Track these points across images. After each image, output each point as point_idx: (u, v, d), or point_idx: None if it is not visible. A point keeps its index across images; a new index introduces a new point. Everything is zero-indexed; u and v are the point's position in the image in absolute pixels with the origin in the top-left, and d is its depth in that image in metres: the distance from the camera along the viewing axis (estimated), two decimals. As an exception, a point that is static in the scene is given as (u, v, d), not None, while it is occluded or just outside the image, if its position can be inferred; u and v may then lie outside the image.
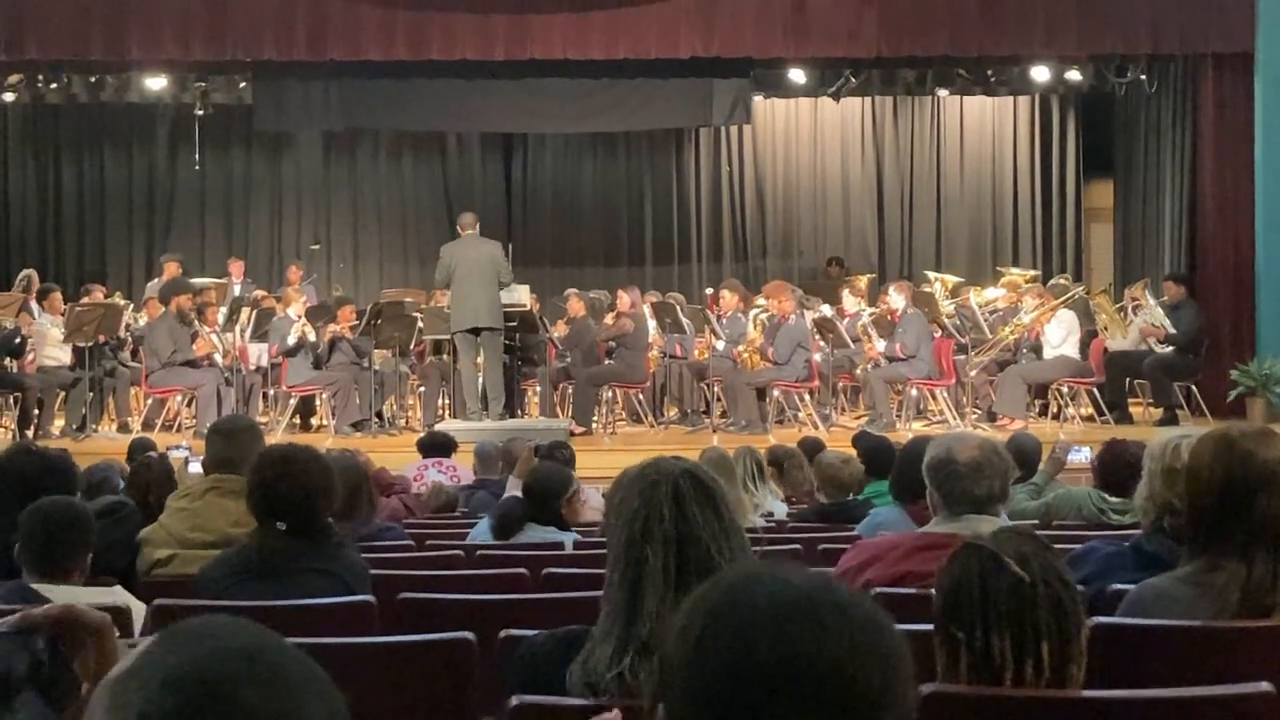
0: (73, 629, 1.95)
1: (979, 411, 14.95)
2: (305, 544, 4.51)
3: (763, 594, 1.45)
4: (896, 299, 14.93)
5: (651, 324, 15.61)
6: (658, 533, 2.73)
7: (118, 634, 1.99)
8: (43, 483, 4.88)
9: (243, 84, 17.21)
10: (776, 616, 1.43)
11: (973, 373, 14.79)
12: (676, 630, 1.48)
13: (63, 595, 4.18)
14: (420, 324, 15.03)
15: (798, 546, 5.94)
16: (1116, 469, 6.39)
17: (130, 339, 15.35)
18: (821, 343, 14.71)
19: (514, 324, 14.55)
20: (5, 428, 14.41)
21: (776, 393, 14.61)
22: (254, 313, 15.41)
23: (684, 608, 1.51)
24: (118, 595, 4.38)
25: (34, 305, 15.51)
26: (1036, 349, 14.63)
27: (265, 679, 1.33)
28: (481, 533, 6.58)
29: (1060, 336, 14.39)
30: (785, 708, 1.39)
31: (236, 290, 17.25)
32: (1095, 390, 14.73)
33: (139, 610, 4.32)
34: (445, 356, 15.15)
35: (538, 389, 15.36)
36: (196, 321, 14.65)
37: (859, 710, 1.41)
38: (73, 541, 4.31)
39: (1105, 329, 15.38)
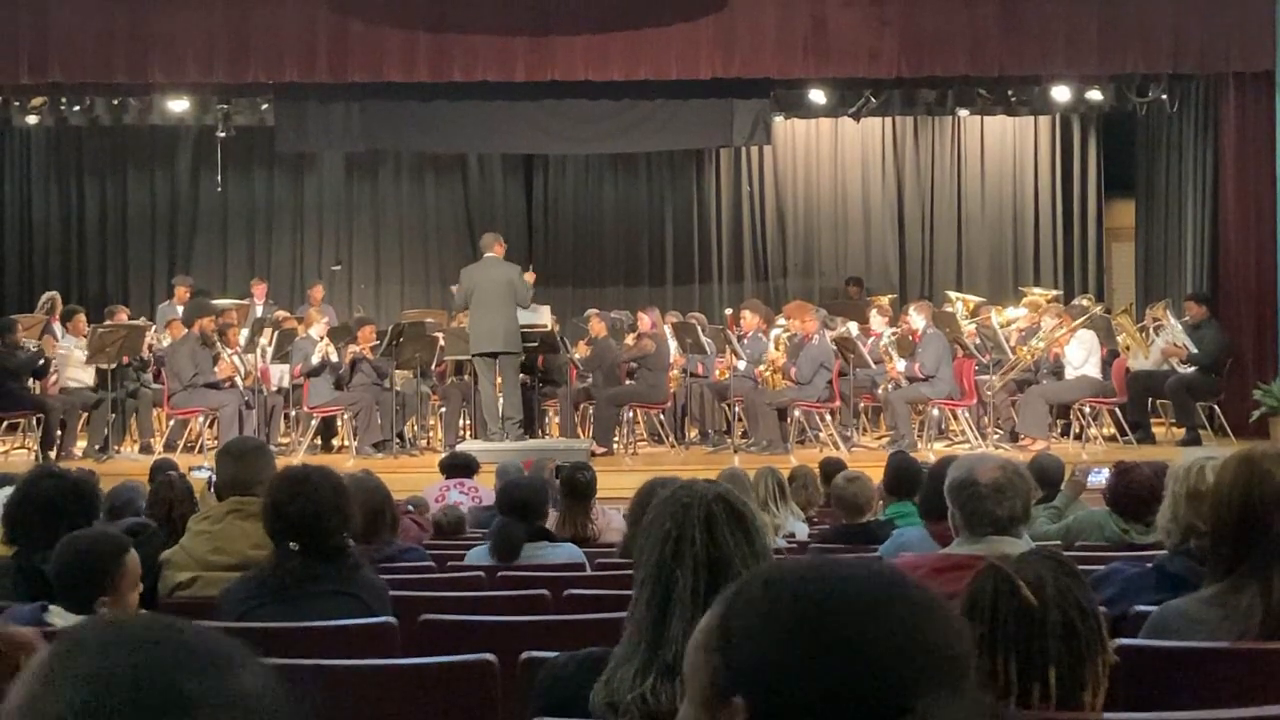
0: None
1: (1001, 432, 14.91)
2: (323, 565, 4.52)
3: (844, 581, 1.46)
4: (916, 319, 14.93)
5: (672, 344, 15.61)
6: (688, 556, 2.73)
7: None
8: (66, 505, 4.90)
9: (264, 106, 17.27)
10: (872, 601, 1.44)
11: (993, 392, 14.75)
12: (756, 627, 1.46)
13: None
14: (441, 344, 15.05)
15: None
16: (1128, 498, 6.35)
17: (153, 360, 15.39)
18: (842, 363, 14.69)
19: (535, 344, 14.56)
20: (28, 449, 14.46)
21: (798, 413, 14.60)
22: (275, 334, 15.46)
23: (745, 604, 1.49)
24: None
25: (57, 327, 15.59)
26: (1058, 370, 14.59)
27: (198, 666, 1.28)
28: (480, 557, 6.55)
29: (1081, 357, 14.36)
30: (907, 686, 1.40)
31: (259, 311, 17.29)
32: (1118, 410, 14.67)
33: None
34: (466, 377, 15.16)
35: (559, 409, 15.36)
36: (218, 343, 14.68)
37: (961, 677, 1.44)
38: (98, 573, 4.31)
39: (1127, 349, 15.35)
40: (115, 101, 17.18)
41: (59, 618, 4.21)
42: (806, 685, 1.41)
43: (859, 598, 1.45)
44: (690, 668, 1.51)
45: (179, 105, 17.30)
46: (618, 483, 11.00)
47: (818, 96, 17.63)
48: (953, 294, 17.92)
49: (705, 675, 1.48)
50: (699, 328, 15.66)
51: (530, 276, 14.70)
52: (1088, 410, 14.53)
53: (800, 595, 1.46)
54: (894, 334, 15.37)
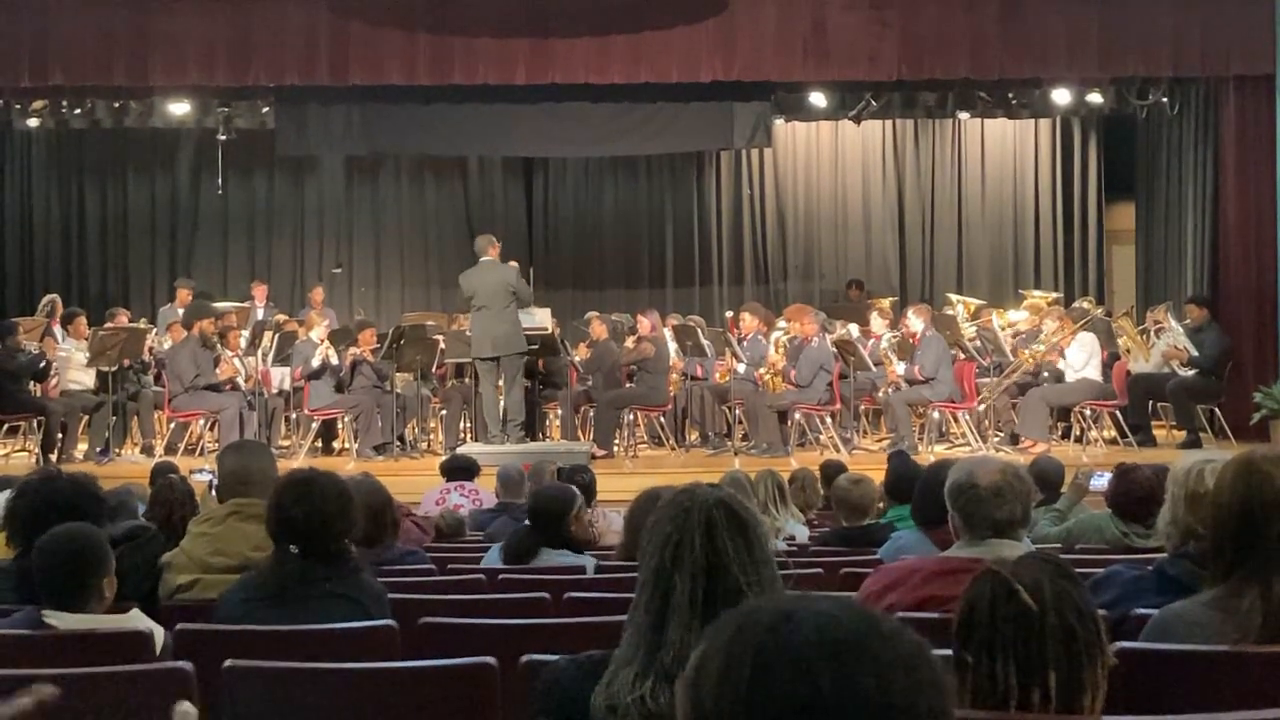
0: None
1: (1001, 434, 14.91)
2: (322, 568, 4.52)
3: (810, 629, 1.44)
4: (915, 322, 14.94)
5: (673, 347, 15.61)
6: (687, 561, 2.73)
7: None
8: (68, 508, 4.90)
9: (265, 109, 17.30)
10: (831, 652, 1.42)
11: (993, 396, 14.75)
12: (716, 671, 1.45)
13: (78, 623, 4.19)
14: (442, 347, 15.05)
15: (819, 570, 5.93)
16: (1129, 501, 6.36)
17: (153, 363, 15.39)
18: (843, 365, 14.69)
19: (535, 347, 14.55)
20: (29, 452, 14.47)
21: (798, 415, 14.60)
22: (276, 336, 15.46)
23: (715, 646, 1.48)
24: (136, 620, 4.38)
25: (57, 330, 15.58)
26: (1058, 374, 14.59)
27: None
28: (493, 559, 6.56)
29: (1082, 360, 14.36)
30: None
31: (259, 314, 17.30)
32: (1118, 413, 14.68)
33: (159, 635, 4.33)
34: (467, 379, 15.16)
35: (559, 412, 15.35)
36: (219, 345, 14.69)
37: None
38: (86, 569, 4.31)
39: (1128, 351, 15.35)
40: (116, 104, 17.19)
41: (56, 619, 4.21)
42: None
43: (825, 648, 1.42)
44: (677, 706, 1.50)
45: (180, 108, 17.32)
46: (618, 485, 11.02)
47: (818, 99, 17.65)
48: (953, 297, 17.93)
49: (681, 714, 1.48)
50: (699, 330, 15.66)
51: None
52: (1088, 413, 14.53)
53: (764, 643, 1.44)
54: (894, 337, 15.37)
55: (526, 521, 6.71)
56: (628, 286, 20.52)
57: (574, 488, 6.98)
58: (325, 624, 4.39)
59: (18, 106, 17.12)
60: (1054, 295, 17.61)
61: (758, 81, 15.96)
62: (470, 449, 13.28)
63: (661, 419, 15.42)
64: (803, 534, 7.99)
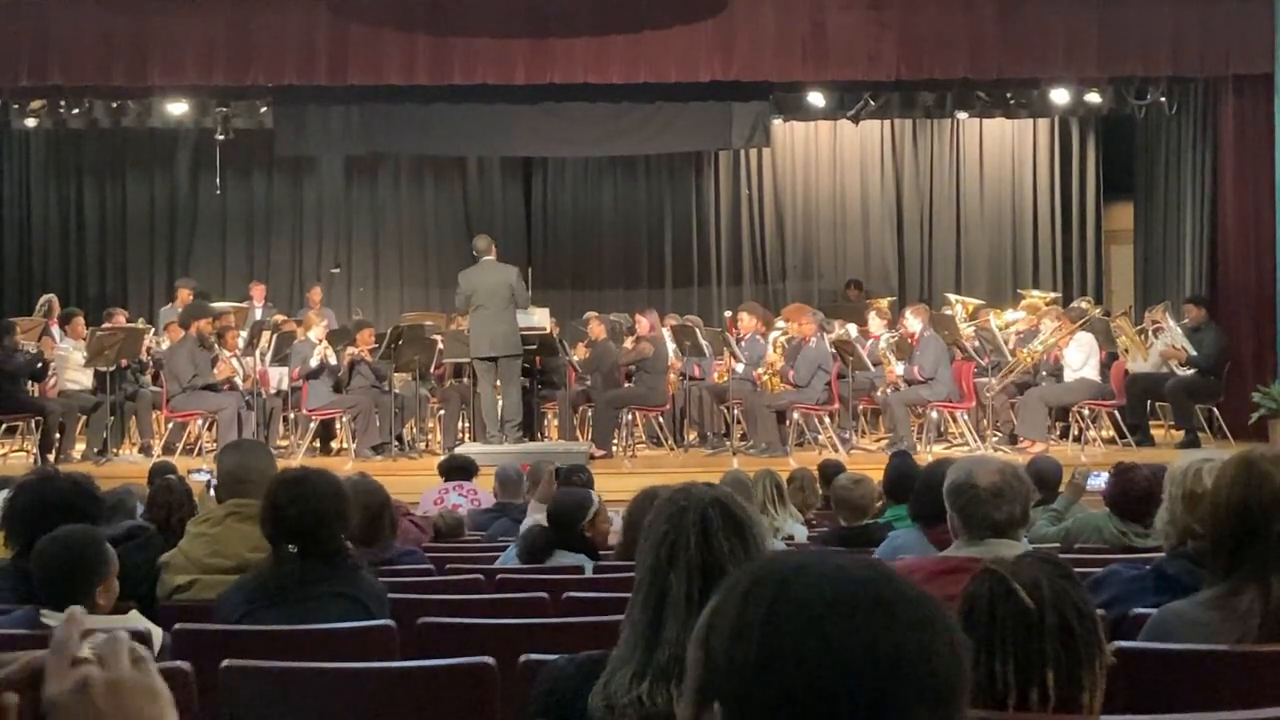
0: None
1: (1000, 434, 14.91)
2: (321, 568, 4.52)
3: (825, 584, 1.41)
4: (913, 323, 14.94)
5: (671, 347, 15.60)
6: (682, 560, 2.73)
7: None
8: (66, 508, 4.89)
9: (264, 109, 17.28)
10: (846, 606, 1.39)
11: (991, 395, 14.75)
12: (728, 626, 1.43)
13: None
14: (440, 347, 15.04)
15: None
16: (1127, 500, 6.36)
17: (152, 363, 15.38)
18: (841, 365, 14.68)
19: (534, 347, 14.54)
20: (27, 452, 14.46)
21: (796, 415, 14.60)
22: (274, 336, 15.45)
23: (728, 600, 1.46)
24: (135, 620, 4.38)
25: (55, 330, 15.58)
26: (1057, 372, 14.60)
27: None
28: (509, 560, 6.58)
29: (1080, 359, 14.36)
30: (868, 698, 1.36)
31: (258, 314, 17.28)
32: (1116, 413, 14.68)
33: (157, 635, 4.33)
34: (465, 379, 15.15)
35: (558, 412, 15.35)
36: (217, 345, 14.67)
37: (940, 695, 1.39)
38: (85, 570, 4.31)
39: (1126, 351, 15.35)
40: (114, 104, 17.17)
41: (54, 620, 4.21)
42: (770, 693, 1.38)
43: (839, 604, 1.40)
44: (688, 662, 1.49)
45: (178, 108, 17.31)
46: (617, 485, 11.00)
47: (817, 99, 17.64)
48: (952, 297, 17.92)
49: (692, 672, 1.46)
50: (698, 330, 15.64)
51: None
52: (1086, 413, 14.53)
53: (778, 598, 1.41)
54: (892, 337, 15.37)
55: (527, 521, 6.72)
56: (626, 286, 20.51)
57: (593, 493, 7.00)
58: (325, 624, 4.39)
59: (16, 106, 17.10)
60: (1052, 295, 17.61)
61: (756, 81, 15.95)
62: (468, 449, 13.27)
63: (660, 419, 15.41)
64: (801, 534, 7.99)
